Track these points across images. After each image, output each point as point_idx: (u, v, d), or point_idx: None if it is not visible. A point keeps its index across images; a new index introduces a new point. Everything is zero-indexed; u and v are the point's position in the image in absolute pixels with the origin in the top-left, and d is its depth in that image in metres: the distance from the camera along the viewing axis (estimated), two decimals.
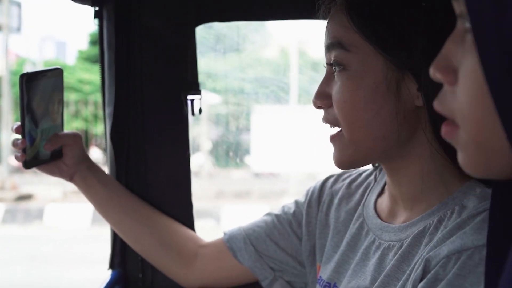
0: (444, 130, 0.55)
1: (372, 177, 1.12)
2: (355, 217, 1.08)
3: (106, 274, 1.39)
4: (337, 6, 0.95)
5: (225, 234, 1.26)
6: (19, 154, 1.16)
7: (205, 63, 1.62)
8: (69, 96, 12.88)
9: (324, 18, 0.98)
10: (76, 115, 13.41)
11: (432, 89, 0.86)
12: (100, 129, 12.56)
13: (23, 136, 1.14)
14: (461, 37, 0.52)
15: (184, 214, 1.38)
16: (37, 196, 10.22)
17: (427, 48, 0.87)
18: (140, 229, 1.30)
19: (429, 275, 0.81)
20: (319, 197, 1.18)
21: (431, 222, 0.90)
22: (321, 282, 1.08)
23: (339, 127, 0.95)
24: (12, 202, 9.88)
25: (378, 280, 0.93)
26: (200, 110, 1.38)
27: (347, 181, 1.16)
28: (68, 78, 12.68)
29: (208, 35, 1.63)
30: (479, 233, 0.79)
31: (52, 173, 1.25)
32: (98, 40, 1.37)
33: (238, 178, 11.12)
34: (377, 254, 0.97)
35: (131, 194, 1.33)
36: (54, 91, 1.19)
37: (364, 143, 0.93)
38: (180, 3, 1.35)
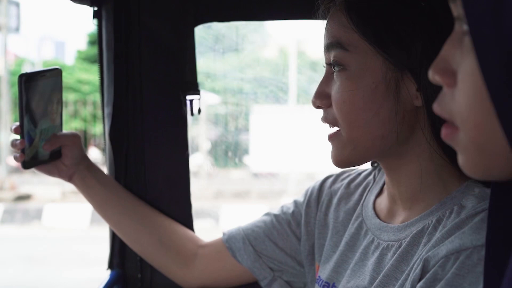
0: (444, 132, 0.55)
1: (371, 177, 1.12)
2: (354, 217, 1.08)
3: (105, 274, 1.39)
4: (337, 6, 0.95)
5: (224, 234, 1.26)
6: (18, 155, 1.16)
7: (204, 63, 1.62)
8: (68, 96, 12.88)
9: (323, 18, 0.98)
10: (75, 115, 13.41)
11: (431, 90, 0.86)
12: (99, 129, 12.53)
13: (22, 137, 1.14)
14: (459, 40, 0.52)
15: (183, 214, 1.38)
16: (35, 196, 10.22)
17: (426, 48, 0.87)
18: (139, 229, 1.30)
19: (428, 275, 0.81)
20: (318, 197, 1.18)
21: (429, 222, 0.90)
22: (320, 282, 1.08)
23: (338, 127, 0.95)
24: (10, 202, 9.88)
25: (377, 280, 0.93)
26: (199, 110, 1.38)
27: (346, 181, 1.16)
28: (67, 78, 12.67)
29: (207, 35, 1.63)
30: (478, 233, 0.79)
31: (51, 173, 1.25)
32: (97, 40, 1.37)
33: (237, 178, 11.12)
34: (376, 254, 0.97)
35: (130, 194, 1.33)
36: (53, 92, 1.19)
37: (363, 142, 0.93)
38: (179, 3, 1.35)
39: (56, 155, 1.23)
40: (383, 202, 1.04)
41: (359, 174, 1.15)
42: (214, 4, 1.40)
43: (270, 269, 1.21)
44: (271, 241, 1.21)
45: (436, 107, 0.56)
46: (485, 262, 0.58)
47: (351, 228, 1.06)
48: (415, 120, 0.91)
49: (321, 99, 0.96)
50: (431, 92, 0.86)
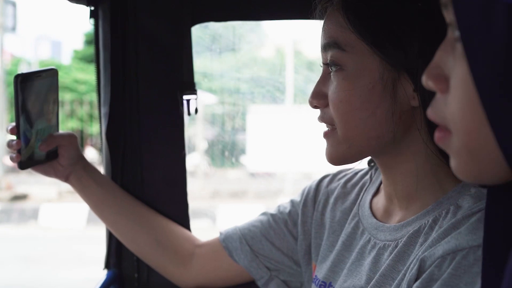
0: (437, 136, 0.55)
1: (368, 176, 1.12)
2: (350, 217, 1.08)
3: (101, 274, 1.39)
4: (334, 6, 0.95)
5: (221, 234, 1.27)
6: (14, 155, 1.16)
7: (201, 63, 1.62)
8: (64, 96, 12.85)
9: (320, 18, 0.98)
10: (72, 115, 13.38)
11: (428, 90, 0.86)
12: (95, 129, 12.53)
13: (18, 137, 1.14)
14: (452, 46, 0.53)
15: (180, 214, 1.38)
16: (32, 196, 10.19)
17: (423, 48, 0.87)
18: (136, 229, 1.30)
19: (424, 275, 0.82)
20: (315, 197, 1.18)
21: (426, 221, 0.90)
22: (317, 282, 1.09)
23: (335, 127, 0.95)
24: (7, 202, 9.85)
25: (373, 280, 0.93)
26: (196, 110, 1.38)
27: (342, 180, 1.16)
28: (63, 78, 12.65)
29: (204, 35, 1.63)
30: (474, 233, 0.79)
31: (47, 173, 1.25)
32: (93, 39, 1.37)
33: (233, 177, 11.11)
34: (373, 253, 0.97)
35: (127, 194, 1.33)
36: (49, 92, 1.18)
37: (358, 141, 0.93)
38: (176, 3, 1.35)
39: (52, 155, 1.22)
40: (379, 201, 1.04)
41: (356, 173, 1.16)
42: (211, 4, 1.40)
43: (267, 268, 1.21)
44: (268, 240, 1.21)
45: (430, 112, 0.56)
46: (483, 262, 0.59)
47: (347, 228, 1.07)
48: (412, 120, 0.91)
49: (318, 99, 0.96)
50: (428, 92, 0.86)
